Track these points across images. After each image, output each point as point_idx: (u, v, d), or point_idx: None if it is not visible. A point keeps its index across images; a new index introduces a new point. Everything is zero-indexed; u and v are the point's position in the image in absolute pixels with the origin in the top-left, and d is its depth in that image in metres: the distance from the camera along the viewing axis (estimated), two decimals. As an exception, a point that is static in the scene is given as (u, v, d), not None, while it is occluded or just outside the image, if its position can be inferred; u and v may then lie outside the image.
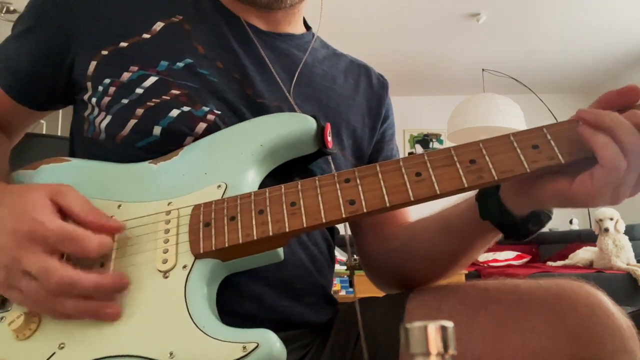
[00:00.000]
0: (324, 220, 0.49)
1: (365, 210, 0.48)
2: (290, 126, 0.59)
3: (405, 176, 0.49)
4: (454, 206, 0.64)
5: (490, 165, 0.47)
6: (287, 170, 0.61)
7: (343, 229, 0.80)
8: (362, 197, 0.49)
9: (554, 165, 0.47)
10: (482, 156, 0.48)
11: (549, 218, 0.56)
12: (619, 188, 0.45)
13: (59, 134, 3.59)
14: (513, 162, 0.47)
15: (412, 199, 0.48)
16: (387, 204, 0.48)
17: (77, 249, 0.47)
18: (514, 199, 0.54)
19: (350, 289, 2.65)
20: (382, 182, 0.49)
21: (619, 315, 0.51)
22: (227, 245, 0.50)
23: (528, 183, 0.51)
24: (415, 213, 0.71)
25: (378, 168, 0.50)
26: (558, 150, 0.47)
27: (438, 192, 0.48)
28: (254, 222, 0.50)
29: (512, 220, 0.56)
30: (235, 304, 0.58)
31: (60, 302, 0.47)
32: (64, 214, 0.50)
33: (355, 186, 0.50)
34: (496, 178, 0.47)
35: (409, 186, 0.48)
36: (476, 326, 0.56)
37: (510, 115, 3.44)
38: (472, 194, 0.59)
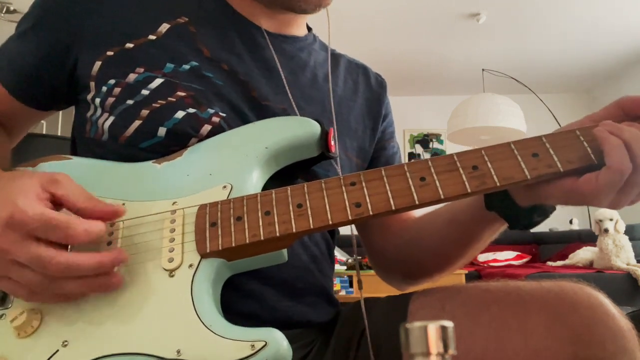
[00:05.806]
0: (330, 222, 0.50)
1: (371, 213, 0.49)
2: (295, 130, 0.60)
3: (410, 180, 0.50)
4: (460, 200, 0.65)
5: (493, 172, 0.49)
6: (290, 173, 0.61)
7: (347, 230, 0.80)
8: (367, 200, 0.50)
9: (552, 172, 0.49)
10: (484, 162, 0.50)
11: (553, 209, 0.58)
12: (621, 192, 0.48)
13: (59, 133, 3.59)
14: (514, 170, 0.49)
15: (417, 202, 0.49)
16: (393, 207, 0.49)
17: (61, 236, 0.45)
18: (519, 192, 0.56)
19: (350, 289, 2.65)
20: (387, 185, 0.50)
21: (620, 316, 0.52)
22: (234, 245, 0.50)
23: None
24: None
25: (383, 172, 0.51)
26: (557, 158, 0.49)
27: (442, 197, 0.49)
28: (260, 223, 0.51)
29: (517, 211, 0.57)
30: (237, 303, 0.58)
31: (60, 285, 0.46)
32: (59, 204, 0.48)
33: (360, 189, 0.51)
34: (498, 184, 0.49)
35: (413, 190, 0.50)
36: (479, 326, 0.56)
37: (510, 115, 3.45)
38: None
